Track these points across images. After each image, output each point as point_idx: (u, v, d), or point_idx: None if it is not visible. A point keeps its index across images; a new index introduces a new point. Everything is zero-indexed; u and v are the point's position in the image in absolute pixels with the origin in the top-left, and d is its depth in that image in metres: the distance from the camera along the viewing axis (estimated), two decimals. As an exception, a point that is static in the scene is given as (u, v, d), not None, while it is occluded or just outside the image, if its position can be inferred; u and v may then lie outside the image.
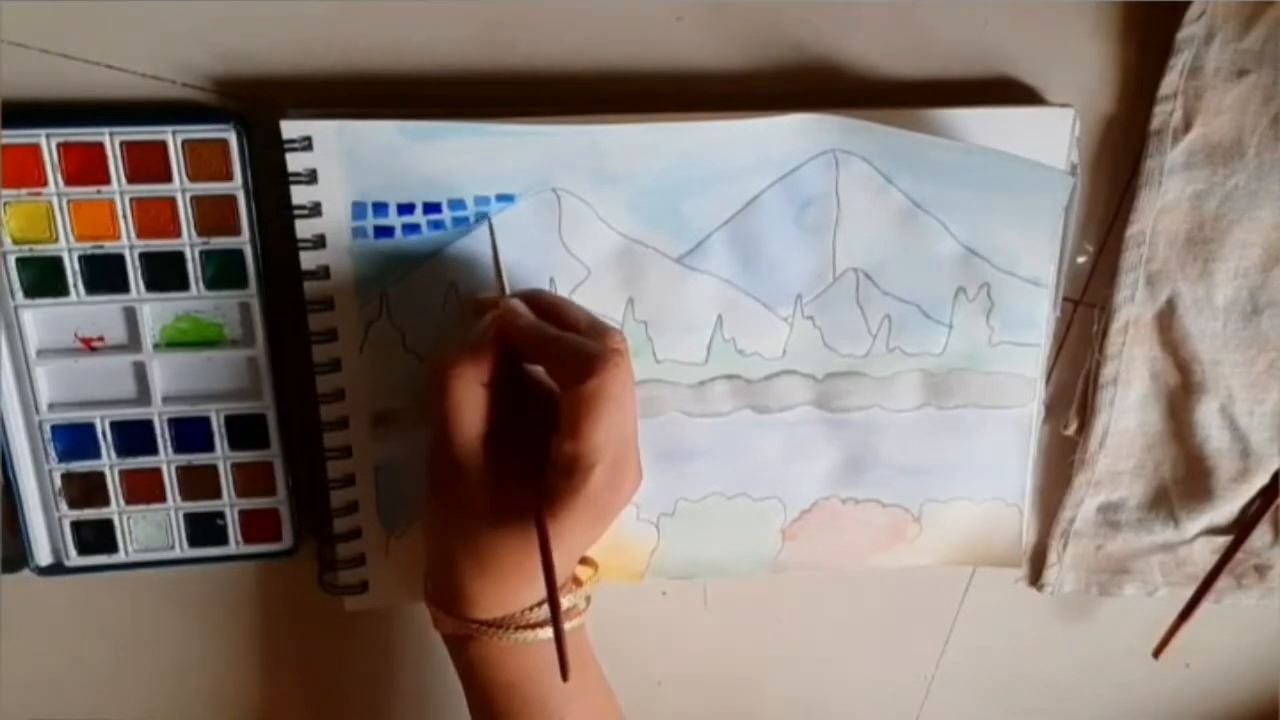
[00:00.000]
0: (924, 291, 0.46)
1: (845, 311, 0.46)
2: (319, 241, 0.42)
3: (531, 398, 0.40)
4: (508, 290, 0.42)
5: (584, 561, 0.44)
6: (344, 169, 0.41)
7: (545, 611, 0.39)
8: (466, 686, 0.42)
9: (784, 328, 0.46)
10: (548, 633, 0.39)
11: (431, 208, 0.42)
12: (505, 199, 0.43)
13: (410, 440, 0.45)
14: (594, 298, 0.44)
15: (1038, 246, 0.46)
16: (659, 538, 0.49)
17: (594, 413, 0.37)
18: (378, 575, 0.47)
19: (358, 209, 0.42)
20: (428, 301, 0.43)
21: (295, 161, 0.41)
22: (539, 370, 0.40)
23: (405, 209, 0.42)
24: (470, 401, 0.38)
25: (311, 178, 0.41)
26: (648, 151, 0.43)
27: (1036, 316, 0.47)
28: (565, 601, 0.40)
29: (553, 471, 0.38)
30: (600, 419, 0.37)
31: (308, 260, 0.42)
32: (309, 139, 0.41)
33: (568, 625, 0.40)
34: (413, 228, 0.43)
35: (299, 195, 0.42)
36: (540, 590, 0.38)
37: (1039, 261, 0.46)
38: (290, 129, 0.41)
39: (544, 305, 0.41)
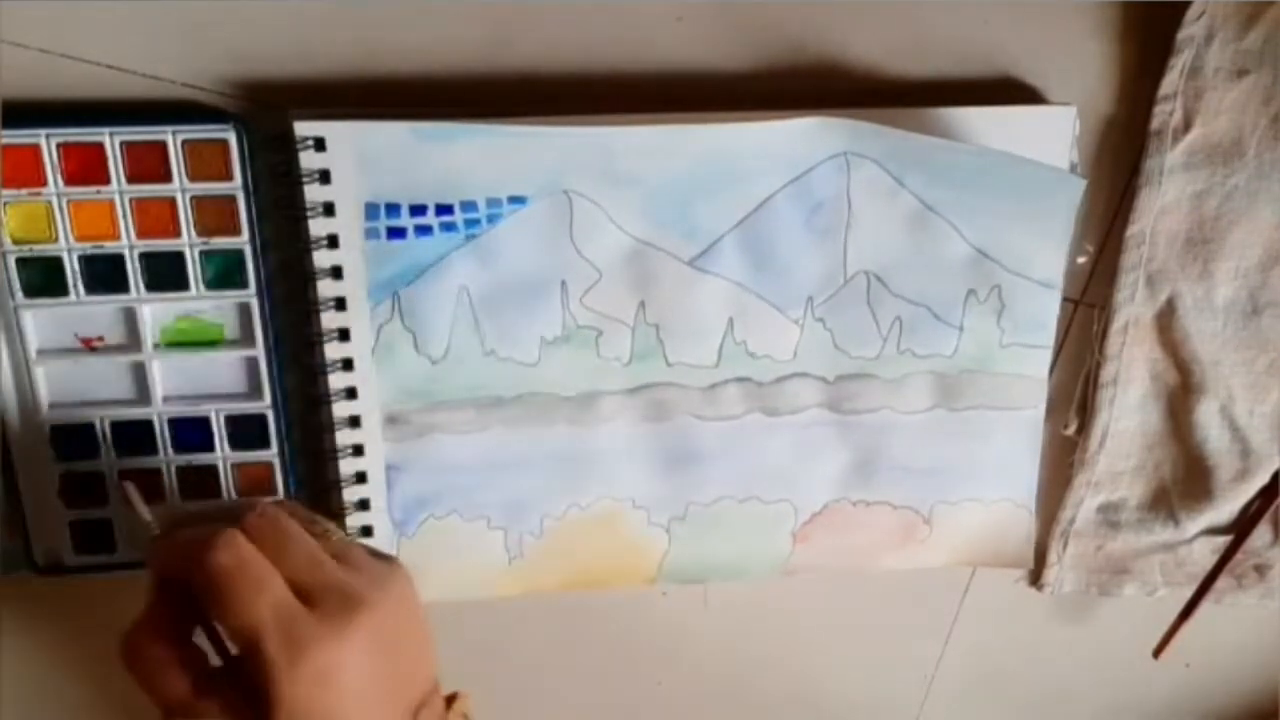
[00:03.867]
0: (935, 294, 0.46)
1: (856, 313, 0.46)
2: (332, 241, 0.42)
3: None
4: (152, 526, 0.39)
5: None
6: (357, 170, 0.41)
7: None
8: None
9: (795, 330, 0.46)
10: None
11: (444, 209, 0.42)
12: (517, 200, 0.43)
13: (420, 443, 0.45)
14: (605, 300, 0.44)
15: (1049, 248, 0.46)
16: (670, 541, 0.49)
17: (223, 593, 0.34)
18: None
19: (371, 210, 0.42)
20: (440, 303, 0.43)
21: (308, 161, 0.41)
22: None
23: (418, 210, 0.42)
24: (157, 667, 0.35)
25: (325, 178, 0.41)
26: (659, 154, 0.43)
27: (1047, 318, 0.47)
28: None
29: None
30: (230, 595, 0.34)
31: (320, 260, 0.42)
32: (322, 139, 0.41)
33: None
34: (425, 229, 0.43)
35: (311, 195, 0.42)
36: None
37: (1050, 263, 0.46)
38: (304, 129, 0.41)
39: (182, 519, 0.38)
